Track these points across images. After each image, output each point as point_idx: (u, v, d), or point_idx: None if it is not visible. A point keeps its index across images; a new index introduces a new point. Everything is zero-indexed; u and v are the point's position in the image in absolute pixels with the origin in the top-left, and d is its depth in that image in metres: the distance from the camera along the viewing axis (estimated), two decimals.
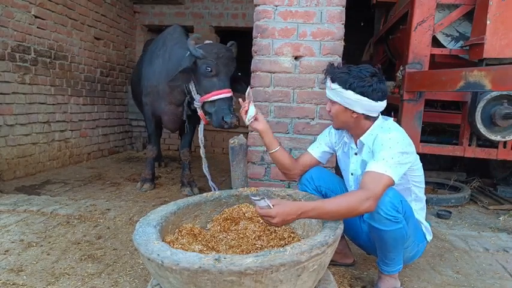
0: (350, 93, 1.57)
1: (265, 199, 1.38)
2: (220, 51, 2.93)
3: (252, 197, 1.42)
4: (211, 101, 2.88)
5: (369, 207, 1.41)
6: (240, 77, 3.18)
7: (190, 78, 3.03)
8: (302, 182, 1.91)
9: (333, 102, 1.66)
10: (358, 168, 1.74)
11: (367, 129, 1.67)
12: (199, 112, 3.02)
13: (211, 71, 2.87)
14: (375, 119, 1.68)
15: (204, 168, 3.17)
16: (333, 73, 1.62)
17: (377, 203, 1.44)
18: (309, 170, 1.91)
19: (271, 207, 1.37)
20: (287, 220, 1.38)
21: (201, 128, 3.19)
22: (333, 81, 1.61)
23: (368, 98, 1.57)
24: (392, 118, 1.75)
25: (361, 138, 1.69)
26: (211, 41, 3.33)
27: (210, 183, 3.22)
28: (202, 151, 3.18)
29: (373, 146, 1.60)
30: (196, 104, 2.98)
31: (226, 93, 2.86)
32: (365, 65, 1.65)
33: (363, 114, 1.63)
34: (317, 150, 1.91)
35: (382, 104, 1.62)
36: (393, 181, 1.48)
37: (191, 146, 3.78)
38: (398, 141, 1.54)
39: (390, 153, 1.50)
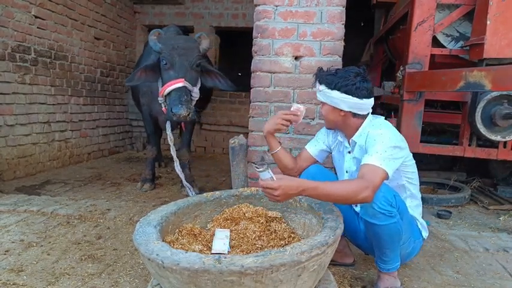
0: (336, 93, 1.65)
1: (269, 170, 1.40)
2: (177, 42, 2.91)
3: (256, 168, 1.42)
4: (168, 94, 2.84)
5: (367, 196, 1.44)
6: (215, 71, 3.15)
7: (158, 76, 3.01)
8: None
9: (322, 104, 1.76)
10: (353, 165, 1.79)
11: (358, 128, 1.73)
12: (163, 108, 2.98)
13: (166, 63, 2.87)
14: (364, 117, 1.73)
15: (175, 167, 3.15)
16: (320, 76, 1.71)
17: (374, 194, 1.47)
18: (308, 167, 1.93)
19: (274, 179, 1.39)
20: (288, 194, 1.40)
21: (168, 125, 3.17)
22: (320, 83, 1.70)
23: (352, 96, 1.64)
24: (383, 117, 1.78)
25: (353, 138, 1.74)
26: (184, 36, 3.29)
27: (184, 183, 3.21)
28: (172, 149, 3.17)
29: (365, 144, 1.66)
30: (160, 100, 2.96)
31: (177, 83, 2.78)
32: (350, 66, 1.72)
33: (350, 112, 1.70)
34: (314, 148, 1.95)
35: (369, 102, 1.69)
36: (387, 174, 1.52)
37: (190, 146, 3.78)
38: (390, 136, 1.59)
39: (383, 147, 1.55)
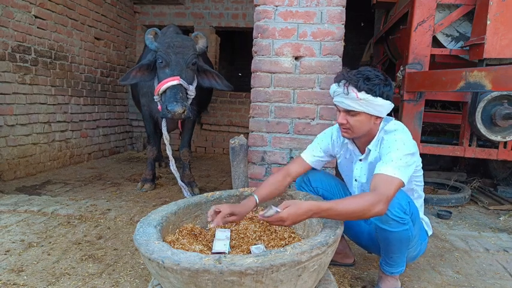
0: (379, 100, 1.53)
1: (272, 207, 1.36)
2: (173, 40, 2.91)
3: (260, 213, 1.38)
4: (163, 92, 2.84)
5: (380, 210, 1.37)
6: (212, 71, 3.15)
7: (154, 75, 3.01)
8: (299, 184, 1.90)
9: (355, 113, 1.56)
10: (363, 175, 1.73)
11: (375, 135, 1.64)
12: (158, 106, 2.98)
13: (162, 62, 2.88)
14: (381, 120, 1.65)
15: (171, 167, 3.15)
16: (356, 82, 1.51)
17: (388, 206, 1.41)
18: (307, 173, 1.88)
19: (279, 211, 1.33)
20: (298, 221, 1.37)
21: (163, 124, 3.16)
22: (359, 91, 1.51)
23: (391, 100, 1.57)
24: (394, 118, 1.74)
25: (369, 146, 1.66)
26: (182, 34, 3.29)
27: (180, 182, 3.20)
28: (168, 148, 3.16)
29: (380, 149, 1.59)
30: (156, 98, 2.95)
31: (172, 81, 2.79)
32: (366, 67, 1.61)
33: (382, 117, 1.61)
34: (312, 157, 1.84)
35: (393, 103, 1.62)
36: (403, 183, 1.45)
37: (191, 146, 3.78)
38: (405, 142, 1.52)
39: (398, 155, 1.48)
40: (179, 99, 2.74)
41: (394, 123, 1.64)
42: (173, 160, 3.15)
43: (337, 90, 1.58)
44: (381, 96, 1.52)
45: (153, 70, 3.02)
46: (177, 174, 3.17)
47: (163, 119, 3.12)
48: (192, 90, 2.96)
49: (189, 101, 2.95)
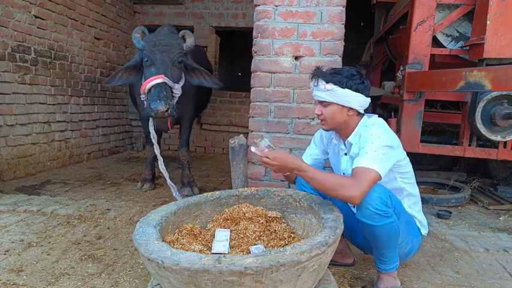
0: (347, 91, 1.64)
1: (265, 139, 1.57)
2: (159, 38, 2.90)
3: (255, 141, 1.59)
4: (148, 91, 2.81)
5: (353, 196, 1.46)
6: (200, 69, 3.12)
7: (141, 75, 2.99)
8: (301, 183, 1.92)
9: (327, 104, 1.70)
10: (349, 167, 1.76)
11: (354, 129, 1.72)
12: (145, 105, 2.95)
13: (147, 60, 2.87)
14: (361, 116, 1.74)
15: (159, 166, 3.13)
16: (324, 75, 1.68)
17: (363, 196, 1.48)
18: None
19: (272, 147, 1.53)
20: (282, 167, 1.57)
21: (151, 123, 3.14)
22: (327, 82, 1.66)
23: (362, 93, 1.66)
24: (377, 116, 1.79)
25: (348, 139, 1.73)
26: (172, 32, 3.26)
27: (169, 182, 3.17)
28: (155, 147, 3.14)
29: (359, 144, 1.66)
30: (142, 97, 2.93)
31: (156, 79, 2.77)
32: (344, 66, 1.75)
33: (357, 110, 1.70)
34: (310, 158, 1.99)
35: (369, 99, 1.72)
36: (379, 175, 1.51)
37: (189, 146, 3.78)
38: (380, 135, 1.58)
39: (373, 147, 1.55)
40: (163, 98, 2.72)
41: (374, 119, 1.73)
42: (161, 159, 3.12)
43: (312, 85, 1.74)
44: (349, 88, 1.64)
45: (141, 70, 3.00)
46: (166, 174, 3.13)
47: (150, 118, 3.10)
48: (177, 89, 2.92)
49: (175, 100, 2.91)
